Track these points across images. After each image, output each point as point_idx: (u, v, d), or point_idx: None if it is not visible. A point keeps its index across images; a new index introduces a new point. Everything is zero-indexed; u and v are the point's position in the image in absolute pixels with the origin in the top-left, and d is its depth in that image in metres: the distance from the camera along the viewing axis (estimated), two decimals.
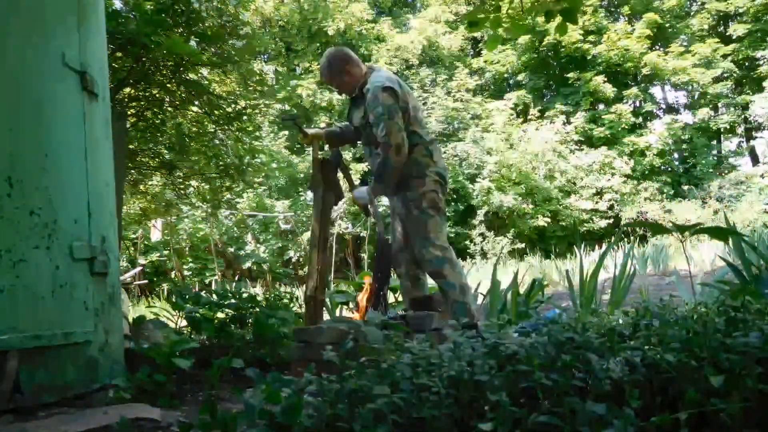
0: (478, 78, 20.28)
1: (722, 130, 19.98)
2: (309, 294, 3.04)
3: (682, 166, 19.32)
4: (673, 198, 17.28)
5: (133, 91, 5.55)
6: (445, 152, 16.38)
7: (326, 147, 3.46)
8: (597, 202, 16.86)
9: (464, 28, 18.02)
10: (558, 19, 2.85)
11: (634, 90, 18.80)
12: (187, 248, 13.82)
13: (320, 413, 1.18)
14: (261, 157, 8.01)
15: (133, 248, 12.73)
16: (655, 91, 20.69)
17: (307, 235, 16.14)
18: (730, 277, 2.95)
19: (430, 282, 3.25)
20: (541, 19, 2.99)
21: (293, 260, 16.13)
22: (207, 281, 13.04)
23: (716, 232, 1.79)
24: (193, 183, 7.12)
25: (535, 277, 4.15)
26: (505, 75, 20.88)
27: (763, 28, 18.60)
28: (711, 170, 18.31)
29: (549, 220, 16.07)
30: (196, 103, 5.81)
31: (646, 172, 17.92)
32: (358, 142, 3.40)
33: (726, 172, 18.44)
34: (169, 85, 5.52)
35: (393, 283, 4.12)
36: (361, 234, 15.19)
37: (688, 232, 1.73)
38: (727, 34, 19.21)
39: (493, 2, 3.67)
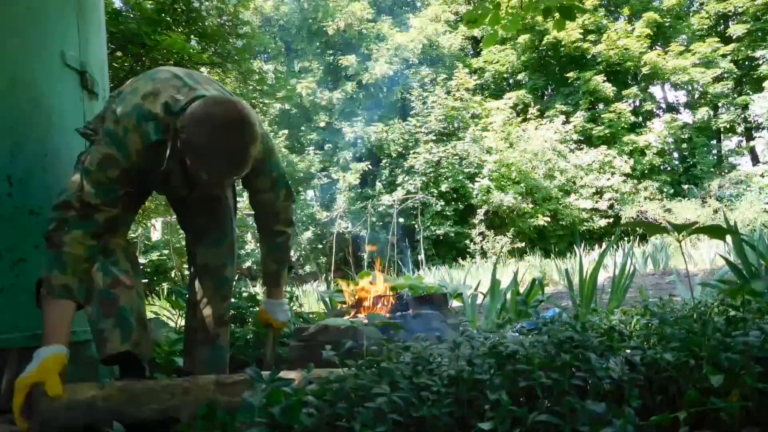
0: (478, 77, 20.27)
1: (722, 129, 19.98)
2: None
3: (682, 165, 19.33)
4: (673, 197, 17.27)
5: None
6: (444, 151, 16.38)
7: None
8: (597, 201, 16.86)
9: (463, 25, 17.99)
10: (556, 15, 2.86)
11: (634, 89, 18.80)
12: None
13: (320, 413, 1.19)
14: None
15: None
16: (655, 90, 20.70)
17: (308, 234, 16.16)
18: (730, 276, 2.94)
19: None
20: (540, 18, 3.02)
21: (292, 259, 16.12)
22: None
23: (713, 231, 1.79)
24: None
25: (534, 276, 4.14)
26: (505, 74, 20.87)
27: (762, 28, 18.59)
28: (711, 169, 18.31)
29: (549, 219, 16.08)
30: None
31: (646, 171, 17.92)
32: None
33: (726, 171, 18.44)
34: None
35: (392, 282, 4.12)
36: (361, 233, 15.19)
37: (684, 232, 1.73)
38: (727, 34, 19.21)
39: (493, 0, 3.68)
